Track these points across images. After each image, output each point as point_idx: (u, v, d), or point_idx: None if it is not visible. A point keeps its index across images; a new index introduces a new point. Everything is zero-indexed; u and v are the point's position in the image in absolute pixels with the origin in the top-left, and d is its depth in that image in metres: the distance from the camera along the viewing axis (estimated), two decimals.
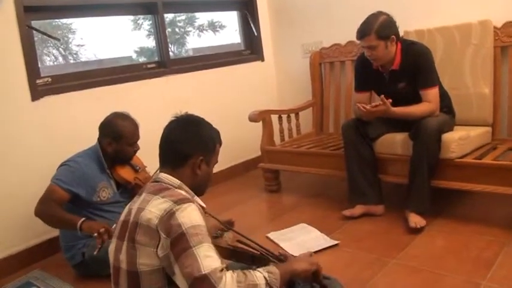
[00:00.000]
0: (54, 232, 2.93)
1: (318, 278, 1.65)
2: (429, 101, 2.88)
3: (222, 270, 1.40)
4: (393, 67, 2.98)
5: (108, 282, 1.79)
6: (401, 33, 3.22)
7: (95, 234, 2.37)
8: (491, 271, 2.28)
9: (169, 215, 1.44)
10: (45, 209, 2.55)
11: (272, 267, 1.53)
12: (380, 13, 2.91)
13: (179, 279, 1.41)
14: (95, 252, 2.37)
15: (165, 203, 1.49)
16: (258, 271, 1.48)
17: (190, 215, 1.47)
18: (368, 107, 2.85)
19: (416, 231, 2.76)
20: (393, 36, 2.89)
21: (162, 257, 1.44)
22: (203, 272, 1.37)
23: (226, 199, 3.79)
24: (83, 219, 2.52)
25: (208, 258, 1.41)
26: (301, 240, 2.78)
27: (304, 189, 3.87)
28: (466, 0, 3.44)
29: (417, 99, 2.91)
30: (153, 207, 1.49)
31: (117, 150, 2.76)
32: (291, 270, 1.57)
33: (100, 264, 2.53)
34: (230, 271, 1.43)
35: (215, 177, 1.80)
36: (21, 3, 2.98)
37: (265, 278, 1.46)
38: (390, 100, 2.80)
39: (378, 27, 2.85)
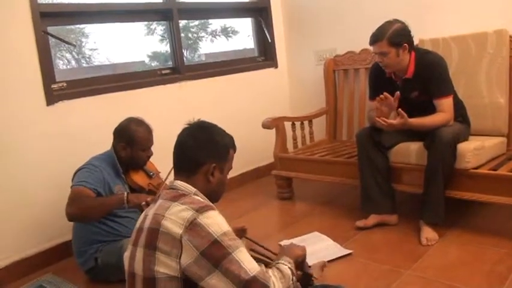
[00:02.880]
0: (67, 236, 2.94)
1: (303, 264, 1.88)
2: (443, 110, 2.86)
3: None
4: (406, 76, 2.96)
5: None
6: (416, 42, 3.20)
7: (143, 203, 2.41)
8: (506, 285, 2.25)
9: (194, 224, 1.46)
10: (81, 206, 2.52)
11: (286, 257, 1.70)
12: (395, 21, 2.90)
13: (220, 284, 1.44)
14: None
15: (186, 211, 1.49)
16: (282, 263, 1.64)
17: (217, 222, 1.49)
18: (388, 120, 2.82)
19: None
20: (405, 44, 2.87)
21: (188, 265, 1.44)
22: (251, 274, 1.45)
23: (238, 206, 3.79)
24: (126, 193, 2.57)
25: (249, 261, 1.49)
26: (314, 249, 2.76)
27: (317, 197, 3.85)
28: (481, 9, 3.42)
29: (431, 109, 2.89)
30: (173, 215, 1.49)
31: (131, 155, 2.77)
32: (293, 256, 1.74)
33: (112, 270, 2.55)
34: (269, 270, 1.56)
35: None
36: (38, 9, 3.01)
37: (290, 268, 1.63)
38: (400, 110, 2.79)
39: (391, 34, 2.84)
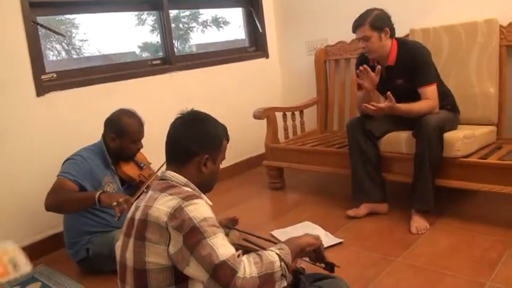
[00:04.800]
0: (59, 227, 2.94)
1: (320, 254, 1.71)
2: (428, 98, 2.89)
3: (238, 255, 1.45)
4: (388, 63, 3.00)
5: (112, 278, 1.79)
6: (407, 32, 3.21)
7: (114, 203, 2.36)
8: (496, 271, 2.28)
9: (179, 210, 1.45)
10: (57, 197, 2.53)
11: (281, 244, 1.59)
12: (374, 8, 2.99)
13: (196, 271, 1.42)
14: (115, 219, 2.37)
15: (173, 200, 1.49)
16: (270, 249, 1.54)
17: (200, 209, 1.48)
18: (377, 104, 2.87)
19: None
20: (387, 28, 2.93)
21: (174, 254, 1.43)
22: (221, 259, 1.39)
23: (230, 196, 3.79)
24: (100, 191, 2.52)
25: (223, 246, 1.43)
26: None
27: (308, 187, 3.87)
28: None
29: (417, 96, 2.92)
30: (161, 205, 1.49)
31: (120, 147, 2.76)
32: (297, 244, 1.61)
33: (104, 260, 2.55)
34: (245, 255, 1.48)
35: None
36: None
37: (277, 254, 1.51)
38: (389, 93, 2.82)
39: (373, 18, 2.93)
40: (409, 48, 2.98)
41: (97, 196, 2.47)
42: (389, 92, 2.82)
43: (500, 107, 3.23)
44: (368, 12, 2.97)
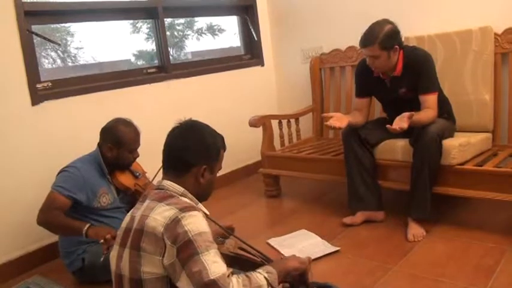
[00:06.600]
0: (54, 237, 2.92)
1: (304, 278, 1.74)
2: (429, 106, 2.87)
3: (229, 275, 1.45)
4: (395, 73, 2.96)
5: None
6: None
7: (101, 240, 2.36)
8: (493, 278, 2.27)
9: (175, 222, 1.44)
10: (48, 218, 2.54)
11: (269, 267, 1.60)
12: (385, 22, 2.88)
13: (186, 286, 1.42)
14: (101, 259, 2.33)
15: (170, 211, 1.48)
16: (259, 272, 1.56)
17: (196, 222, 1.47)
18: (400, 127, 2.69)
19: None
20: (396, 46, 2.87)
21: (168, 265, 1.43)
22: (211, 278, 1.40)
23: (226, 204, 3.78)
24: (88, 225, 2.52)
25: (215, 264, 1.43)
26: (302, 246, 2.78)
27: (304, 195, 3.86)
28: (466, 7, 3.44)
29: (418, 104, 2.91)
30: (158, 215, 1.48)
31: (117, 156, 2.74)
32: (284, 267, 1.65)
33: (99, 270, 2.52)
34: (235, 275, 1.48)
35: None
36: (22, 7, 2.97)
37: (266, 278, 1.54)
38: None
39: (382, 38, 2.81)
40: (414, 57, 2.93)
41: (84, 230, 2.49)
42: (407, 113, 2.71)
43: (495, 114, 3.25)
44: (378, 28, 2.84)
